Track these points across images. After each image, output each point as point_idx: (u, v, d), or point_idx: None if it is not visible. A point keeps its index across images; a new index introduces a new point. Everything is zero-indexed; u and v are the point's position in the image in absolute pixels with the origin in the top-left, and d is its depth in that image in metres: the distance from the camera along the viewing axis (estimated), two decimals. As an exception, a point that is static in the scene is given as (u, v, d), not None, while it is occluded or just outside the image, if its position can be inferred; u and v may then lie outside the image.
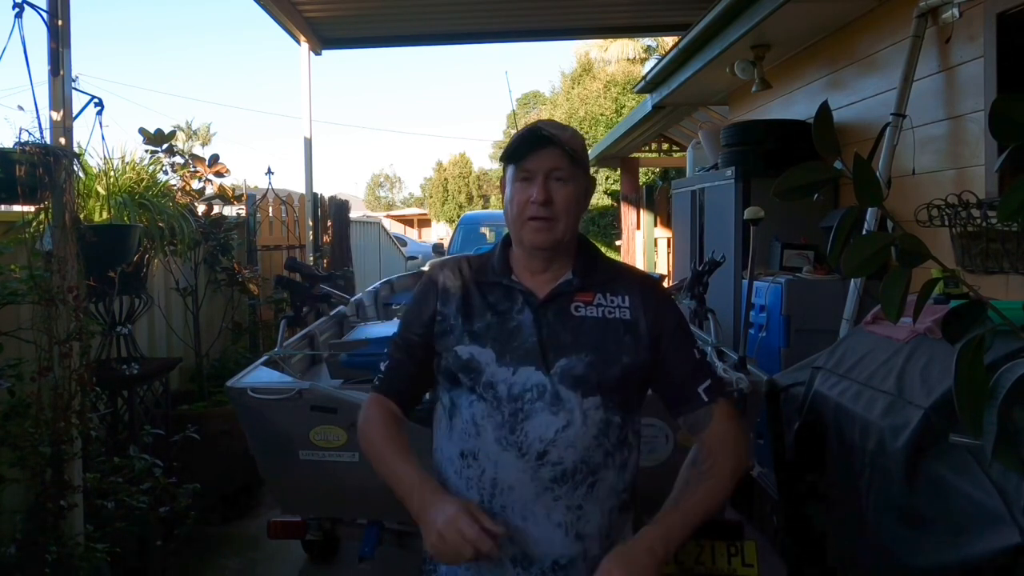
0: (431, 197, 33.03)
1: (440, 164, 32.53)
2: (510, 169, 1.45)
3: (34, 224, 2.82)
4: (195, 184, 4.54)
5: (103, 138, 3.27)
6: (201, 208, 4.65)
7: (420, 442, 2.37)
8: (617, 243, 12.14)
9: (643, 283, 1.52)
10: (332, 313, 4.55)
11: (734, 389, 2.49)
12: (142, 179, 3.74)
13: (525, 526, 1.39)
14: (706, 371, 1.48)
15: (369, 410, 1.53)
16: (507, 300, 1.46)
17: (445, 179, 31.58)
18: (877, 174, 1.28)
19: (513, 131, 1.55)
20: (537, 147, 1.40)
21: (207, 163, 4.62)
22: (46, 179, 2.66)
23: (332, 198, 7.75)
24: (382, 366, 1.57)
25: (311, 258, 6.74)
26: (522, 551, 1.40)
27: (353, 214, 8.67)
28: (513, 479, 1.39)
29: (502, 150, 1.49)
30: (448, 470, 1.47)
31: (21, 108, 2.77)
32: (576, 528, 1.40)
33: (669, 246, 10.01)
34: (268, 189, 6.55)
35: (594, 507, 1.41)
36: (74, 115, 2.90)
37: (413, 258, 14.75)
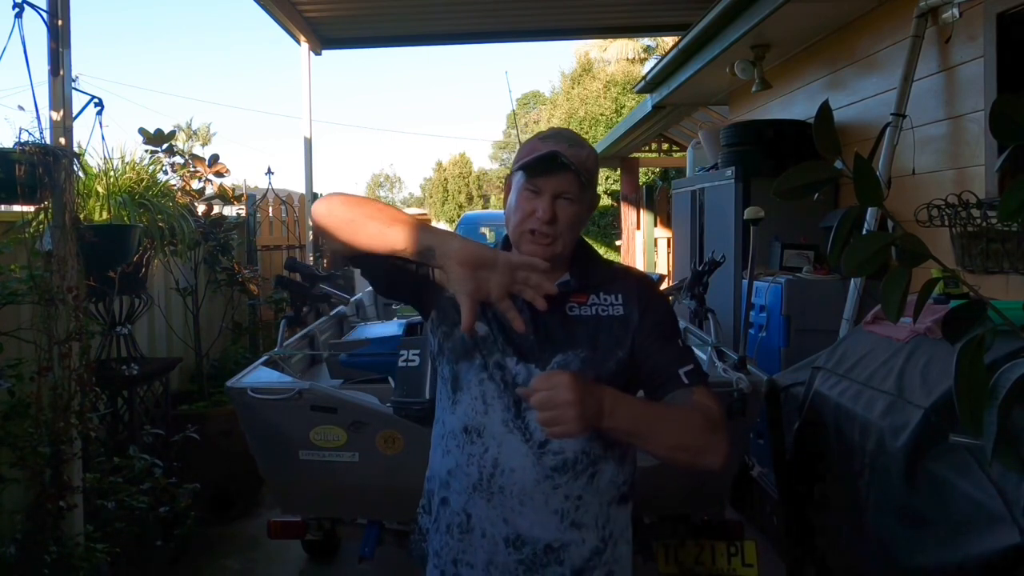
0: (431, 197, 33.02)
1: (440, 164, 32.54)
2: (519, 175, 1.44)
3: (34, 224, 2.82)
4: (195, 184, 4.54)
5: (103, 138, 3.28)
6: (201, 208, 4.64)
7: (420, 442, 2.37)
8: (617, 243, 12.14)
9: (638, 281, 1.54)
10: (332, 313, 4.55)
11: (734, 389, 2.49)
12: (142, 179, 3.74)
13: (522, 510, 1.41)
14: (689, 359, 1.47)
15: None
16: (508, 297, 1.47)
17: (445, 179, 31.59)
18: (877, 174, 1.28)
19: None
20: (555, 170, 1.39)
21: (207, 163, 4.61)
22: (46, 179, 2.66)
23: (332, 198, 7.74)
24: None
25: (311, 258, 6.74)
26: (516, 532, 1.42)
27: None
28: (515, 463, 1.40)
29: (517, 154, 1.48)
30: (450, 443, 1.47)
31: (21, 108, 2.77)
32: (573, 517, 1.41)
33: (669, 246, 10.01)
34: (268, 189, 6.55)
35: (594, 498, 1.43)
36: (74, 115, 2.90)
37: (413, 258, 14.73)
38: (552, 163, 1.38)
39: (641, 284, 1.53)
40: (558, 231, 1.40)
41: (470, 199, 30.76)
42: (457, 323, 1.41)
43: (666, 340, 1.47)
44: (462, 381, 1.45)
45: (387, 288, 1.56)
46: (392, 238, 1.31)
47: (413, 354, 2.36)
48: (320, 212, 1.38)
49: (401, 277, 1.45)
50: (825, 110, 0.95)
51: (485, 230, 13.34)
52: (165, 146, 4.09)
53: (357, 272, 8.38)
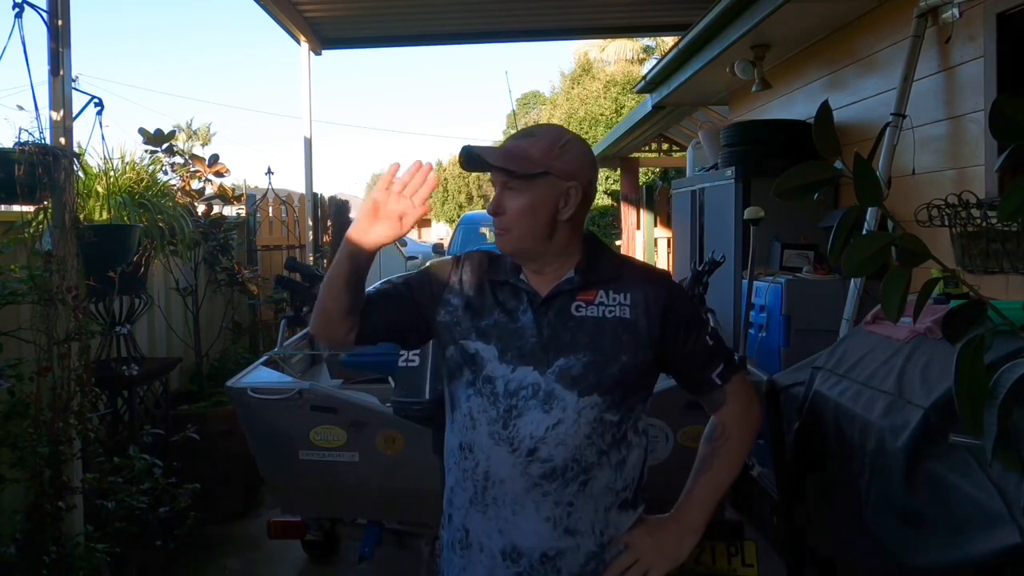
0: (431, 197, 33.02)
1: (440, 164, 32.52)
2: None
3: (34, 224, 2.82)
4: (195, 184, 4.54)
5: (103, 138, 3.28)
6: (201, 208, 4.64)
7: (420, 442, 2.37)
8: (617, 243, 12.13)
9: (648, 280, 1.49)
10: (332, 313, 4.54)
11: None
12: (142, 179, 3.73)
13: (515, 519, 1.42)
14: (718, 355, 1.51)
15: None
16: (514, 299, 1.48)
17: (445, 179, 31.57)
18: (877, 174, 1.28)
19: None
20: (473, 167, 1.46)
21: (207, 163, 4.61)
22: (46, 179, 2.66)
23: (332, 198, 7.75)
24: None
25: (311, 258, 6.74)
26: (511, 543, 1.43)
27: (353, 214, 8.67)
28: (504, 473, 1.42)
29: None
30: (450, 461, 1.52)
31: (21, 108, 2.77)
32: (566, 523, 1.42)
33: (669, 246, 10.01)
34: (268, 189, 6.55)
35: (587, 504, 1.42)
36: (74, 115, 2.91)
37: (413, 258, 14.75)
38: (467, 160, 1.45)
39: (652, 285, 1.48)
40: (506, 223, 1.43)
41: (470, 199, 30.73)
42: (450, 344, 1.48)
43: (691, 345, 1.49)
44: (456, 400, 1.49)
45: (406, 340, 1.66)
46: (340, 266, 1.46)
47: (413, 354, 2.36)
48: (317, 330, 1.55)
49: (405, 324, 1.55)
50: (825, 110, 0.96)
51: (485, 230, 13.30)
52: (165, 146, 4.09)
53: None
